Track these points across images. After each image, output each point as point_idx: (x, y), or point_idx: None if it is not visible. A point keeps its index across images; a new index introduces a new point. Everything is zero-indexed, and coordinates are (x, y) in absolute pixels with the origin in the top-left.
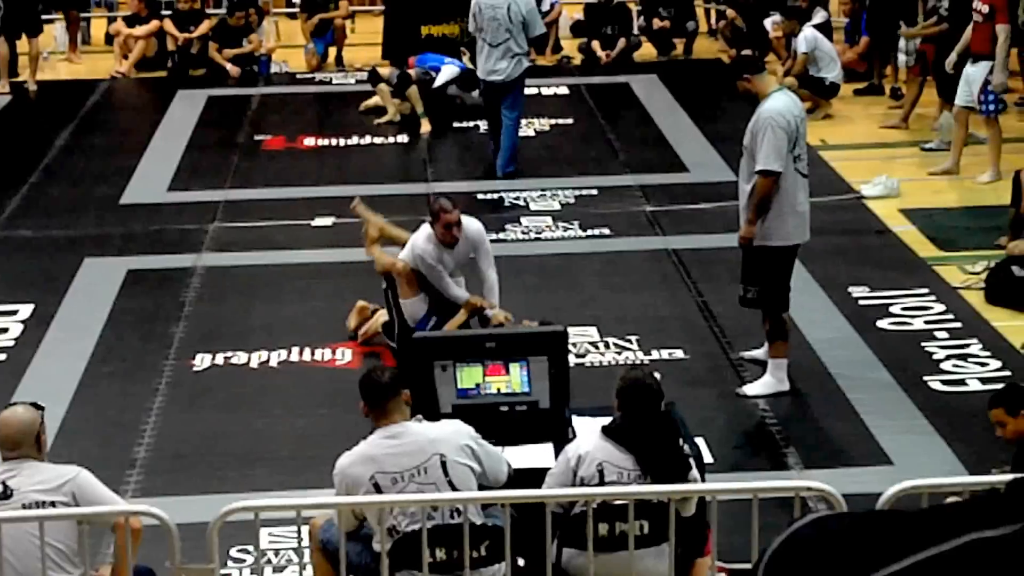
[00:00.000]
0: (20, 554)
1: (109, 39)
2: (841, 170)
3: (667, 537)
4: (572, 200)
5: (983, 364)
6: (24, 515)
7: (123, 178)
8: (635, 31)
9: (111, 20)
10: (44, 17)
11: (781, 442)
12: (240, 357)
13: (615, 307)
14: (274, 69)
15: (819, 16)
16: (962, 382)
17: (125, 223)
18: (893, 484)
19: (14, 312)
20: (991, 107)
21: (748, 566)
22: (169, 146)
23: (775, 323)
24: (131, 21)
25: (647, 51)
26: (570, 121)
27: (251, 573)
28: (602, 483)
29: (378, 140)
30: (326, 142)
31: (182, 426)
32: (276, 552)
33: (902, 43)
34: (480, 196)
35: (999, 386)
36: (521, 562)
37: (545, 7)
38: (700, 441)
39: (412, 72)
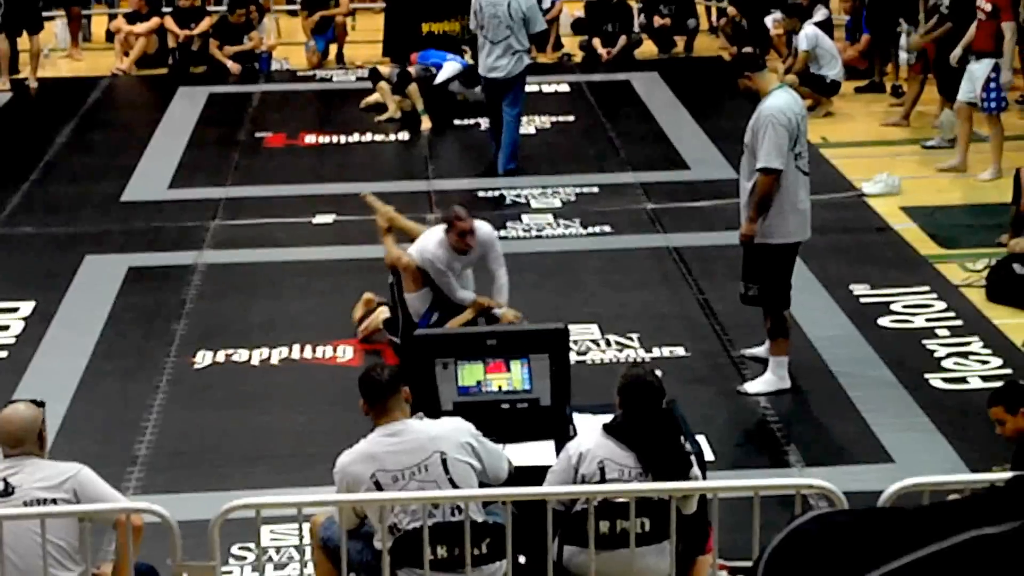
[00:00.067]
0: (22, 551)
1: (110, 36)
2: (842, 168)
3: (668, 535)
4: (573, 198)
5: (984, 362)
6: (25, 512)
7: (124, 175)
8: (636, 28)
9: (112, 17)
10: (45, 14)
11: (782, 440)
12: (241, 354)
13: (616, 304)
14: (275, 66)
15: (820, 14)
16: (963, 380)
17: (126, 220)
18: (894, 482)
19: (15, 309)
20: (993, 104)
21: (749, 564)
22: (170, 143)
23: (776, 321)
24: (132, 18)
25: (648, 49)
26: (571, 119)
27: (252, 571)
28: (603, 481)
29: (379, 137)
30: (327, 139)
31: (183, 423)
32: (277, 550)
33: (903, 41)
34: (481, 194)
35: (1000, 384)
36: (522, 560)
37: (546, 4)
38: (701, 439)
39: (413, 69)
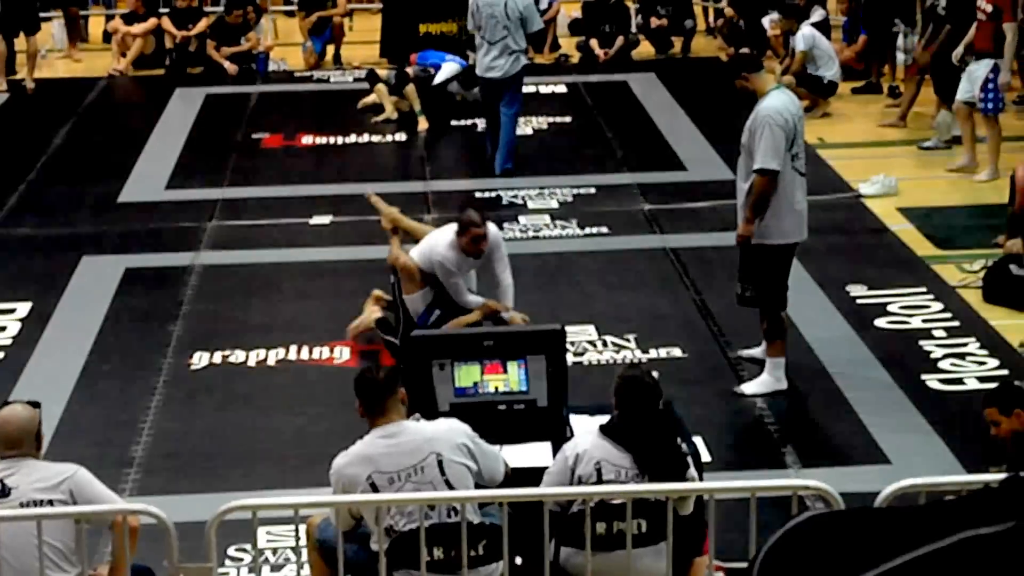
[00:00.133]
0: (18, 552)
1: (107, 37)
2: (839, 168)
3: (665, 536)
4: (570, 198)
5: (981, 363)
6: (22, 514)
7: (121, 176)
8: (633, 29)
9: (109, 18)
10: (42, 15)
11: (779, 441)
12: (238, 356)
13: (613, 305)
14: (272, 67)
15: (817, 14)
16: (960, 381)
17: (123, 221)
18: (891, 483)
19: (12, 310)
20: (991, 105)
21: (746, 564)
22: (167, 144)
23: (773, 322)
24: (129, 19)
25: (645, 49)
26: (568, 119)
27: (249, 572)
28: (600, 482)
29: (376, 138)
30: (324, 140)
31: (180, 425)
32: (274, 551)
33: (900, 41)
34: (478, 194)
35: (996, 385)
36: (519, 561)
37: (543, 5)
38: (698, 440)
39: (411, 70)
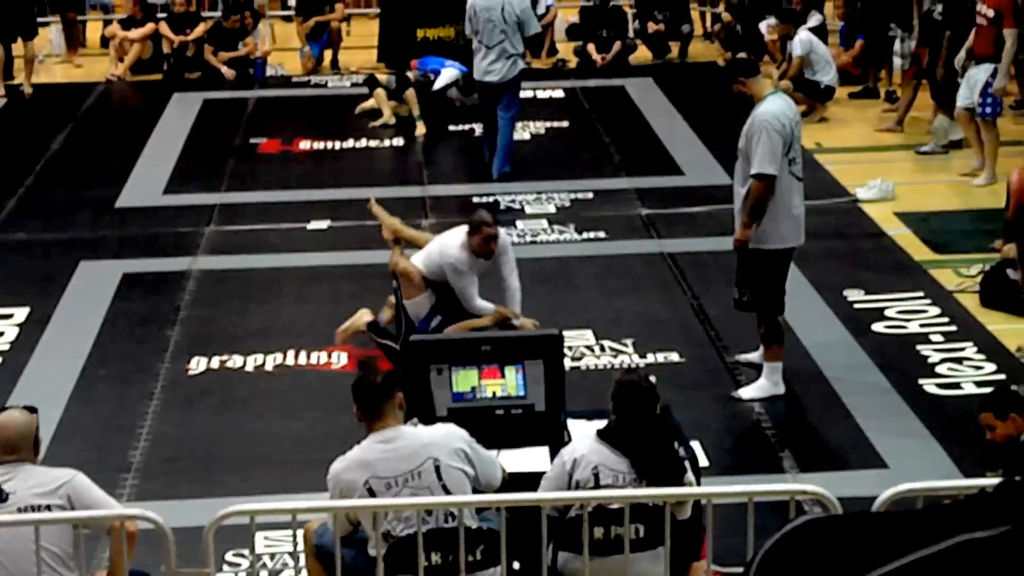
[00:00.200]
0: (16, 558)
1: (104, 42)
2: (836, 173)
3: (663, 540)
4: (567, 203)
5: (978, 367)
6: (19, 519)
7: (118, 181)
8: (630, 34)
9: (107, 23)
10: (39, 20)
11: (776, 445)
12: (235, 360)
13: (610, 310)
14: (269, 72)
15: (814, 19)
16: (957, 385)
17: (120, 226)
18: (888, 487)
19: (10, 315)
20: (989, 110)
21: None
22: (164, 149)
23: (770, 326)
24: (126, 24)
25: (642, 54)
26: (565, 124)
27: None
28: (597, 486)
29: (374, 143)
30: (321, 145)
31: (177, 430)
32: (272, 556)
33: (897, 46)
34: (476, 199)
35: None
36: (516, 566)
37: (541, 10)
38: (695, 444)
39: (411, 74)
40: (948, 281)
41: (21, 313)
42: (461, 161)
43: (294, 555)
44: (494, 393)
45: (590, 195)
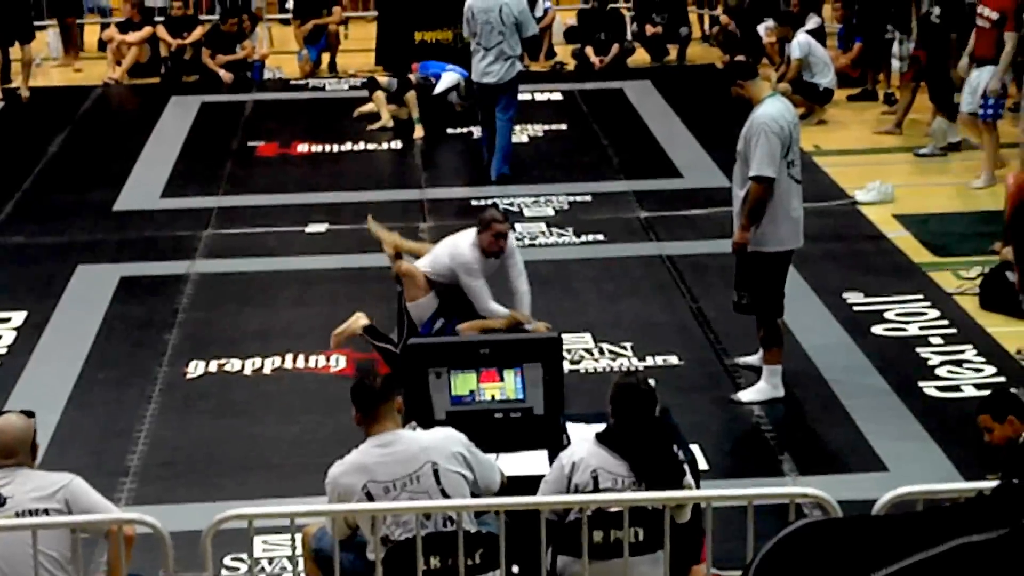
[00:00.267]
0: (14, 563)
1: (102, 45)
2: (835, 176)
3: (662, 544)
4: (566, 206)
5: (978, 370)
6: (17, 523)
7: (116, 185)
8: (628, 37)
9: (104, 26)
10: (37, 23)
11: (776, 448)
12: (233, 364)
13: (609, 313)
14: (267, 75)
15: (812, 22)
16: (957, 388)
17: (118, 230)
18: (888, 490)
19: (7, 319)
20: (990, 112)
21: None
22: (162, 153)
23: (769, 329)
24: (124, 27)
25: (640, 57)
26: (564, 127)
27: None
28: (597, 490)
29: (372, 146)
30: (319, 148)
31: (175, 433)
32: (270, 560)
33: (895, 48)
34: (474, 202)
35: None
36: (516, 570)
37: (539, 12)
38: (695, 447)
39: (413, 77)
40: (947, 283)
41: (19, 317)
42: (459, 164)
43: (292, 559)
44: (493, 396)
45: (588, 198)
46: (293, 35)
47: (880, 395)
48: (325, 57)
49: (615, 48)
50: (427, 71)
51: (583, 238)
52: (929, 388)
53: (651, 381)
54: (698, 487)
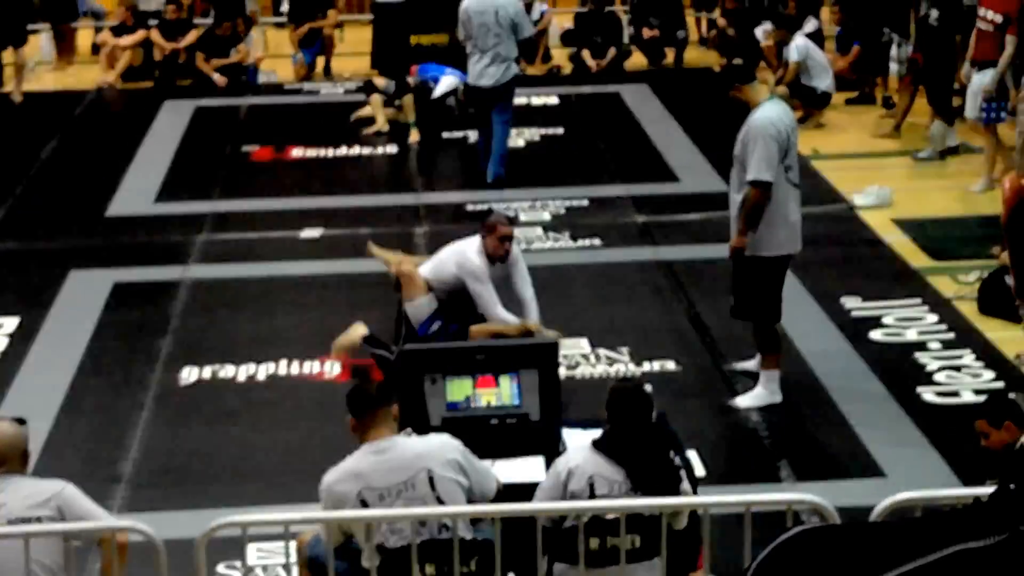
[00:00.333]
0: (6, 570)
1: (95, 49)
2: (833, 180)
3: (659, 551)
4: (562, 211)
5: (976, 375)
6: (9, 531)
7: (109, 189)
8: (625, 40)
9: (98, 30)
10: (30, 27)
11: (773, 454)
12: (227, 371)
13: (606, 318)
14: (262, 79)
15: (810, 25)
16: (955, 393)
17: (111, 235)
18: (886, 496)
19: None
20: (991, 115)
21: None
22: (156, 157)
23: (767, 334)
24: (118, 31)
25: (637, 60)
26: (560, 131)
27: None
28: (593, 497)
29: (367, 151)
30: (314, 153)
31: (169, 440)
32: (264, 568)
33: (893, 52)
34: (470, 207)
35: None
36: None
37: (535, 15)
38: (692, 453)
39: (411, 80)
40: (946, 288)
41: (11, 323)
42: (455, 168)
43: (287, 567)
44: (488, 402)
45: (585, 202)
46: (288, 38)
47: (878, 400)
48: (320, 61)
49: (612, 51)
50: (426, 74)
51: (580, 243)
52: (927, 393)
53: (648, 387)
54: (695, 493)
